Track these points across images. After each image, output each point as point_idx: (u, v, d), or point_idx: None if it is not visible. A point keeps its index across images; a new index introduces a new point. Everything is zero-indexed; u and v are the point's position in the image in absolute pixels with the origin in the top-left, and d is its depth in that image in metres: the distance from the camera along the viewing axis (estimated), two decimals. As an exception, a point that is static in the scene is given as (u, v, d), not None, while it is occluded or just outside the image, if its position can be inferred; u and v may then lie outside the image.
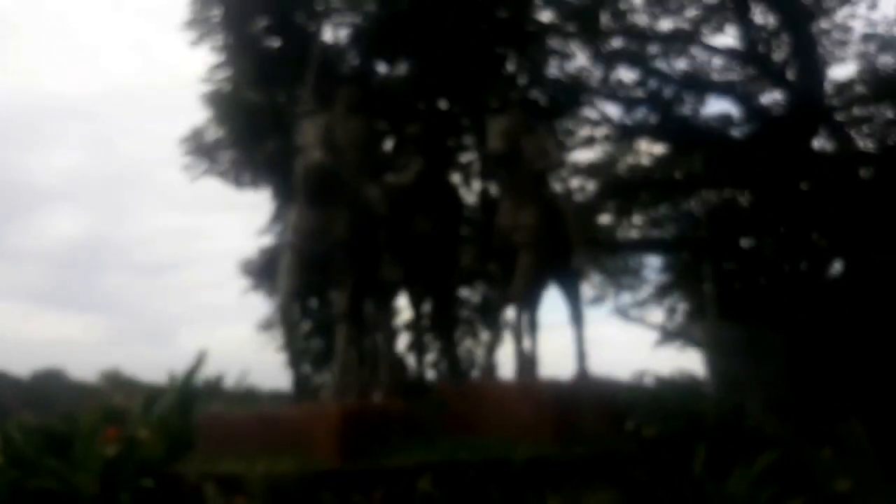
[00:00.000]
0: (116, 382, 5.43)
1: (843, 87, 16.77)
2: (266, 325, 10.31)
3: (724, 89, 16.61)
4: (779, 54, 15.55)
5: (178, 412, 4.75)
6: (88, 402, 4.89)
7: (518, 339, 5.85)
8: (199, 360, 5.25)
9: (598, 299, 27.86)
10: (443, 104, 9.96)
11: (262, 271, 5.79)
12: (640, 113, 17.17)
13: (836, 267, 22.07)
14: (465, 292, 9.88)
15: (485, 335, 8.97)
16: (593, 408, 5.75)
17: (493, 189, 6.72)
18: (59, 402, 5.40)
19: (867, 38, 16.42)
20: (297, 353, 5.39)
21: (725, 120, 17.60)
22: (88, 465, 4.16)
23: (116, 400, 4.87)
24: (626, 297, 30.04)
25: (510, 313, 7.43)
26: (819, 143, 17.54)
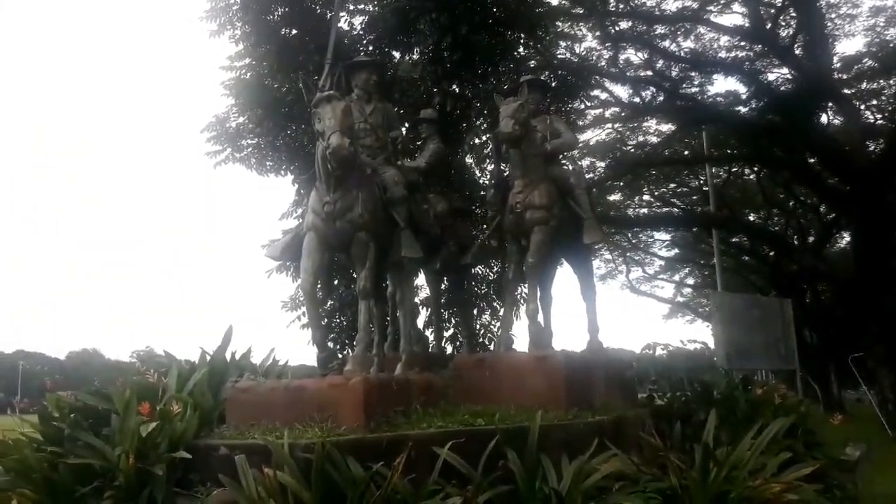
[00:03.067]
0: (150, 360, 5.61)
1: (851, 61, 16.76)
2: (291, 304, 10.60)
3: (731, 67, 16.65)
4: (786, 30, 15.57)
5: (209, 387, 4.94)
6: (123, 379, 5.07)
7: (532, 314, 6.03)
8: (227, 337, 5.44)
9: (609, 275, 28.05)
10: (455, 88, 10.11)
11: (286, 253, 5.94)
12: (648, 93, 17.28)
13: (843, 239, 22.03)
14: (481, 270, 10.10)
15: (501, 311, 9.15)
16: (605, 377, 5.95)
17: (506, 169, 6.87)
18: (93, 381, 5.60)
19: (876, 11, 16.38)
20: (321, 330, 5.57)
21: (733, 97, 17.63)
22: (124, 440, 4.34)
23: (149, 376, 5.07)
24: (637, 272, 30.23)
25: (524, 289, 7.63)
26: (827, 117, 17.59)
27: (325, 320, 9.41)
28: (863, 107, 17.83)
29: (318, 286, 5.52)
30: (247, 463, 3.99)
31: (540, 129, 6.80)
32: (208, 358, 5.44)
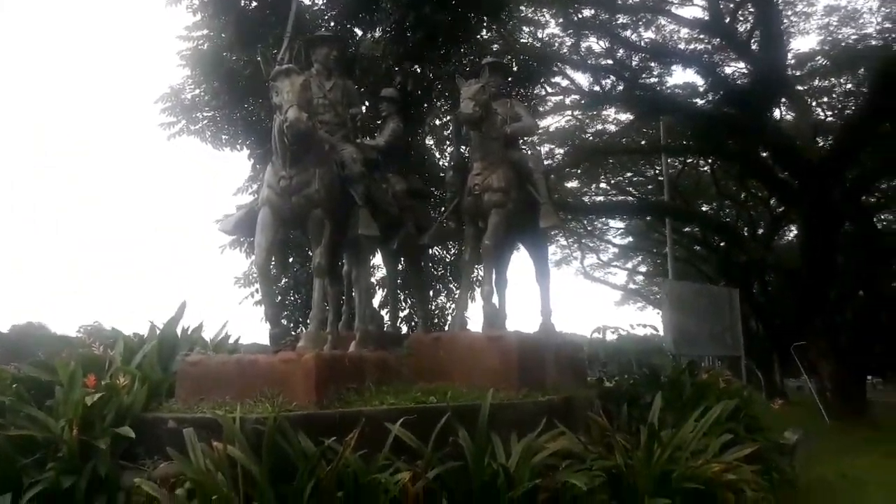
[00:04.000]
0: (98, 334, 5.49)
1: (805, 58, 17.19)
2: (244, 281, 10.48)
3: (690, 59, 16.89)
4: (744, 25, 15.86)
5: (159, 360, 4.86)
6: (68, 351, 4.95)
7: (487, 295, 6.08)
8: (180, 311, 5.36)
9: (564, 260, 28.39)
10: (417, 68, 10.05)
11: (240, 228, 5.85)
12: (608, 81, 17.43)
13: (792, 232, 22.66)
14: (438, 251, 10.14)
15: (457, 293, 9.19)
16: (557, 359, 6.05)
17: (466, 152, 6.88)
18: (38, 354, 5.45)
19: (830, 10, 16.80)
20: (274, 306, 5.52)
21: (690, 89, 17.91)
22: (67, 412, 4.25)
23: (95, 349, 4.96)
24: (591, 259, 30.69)
25: (480, 271, 7.67)
26: (780, 112, 18.02)
27: (279, 297, 9.34)
28: (814, 103, 18.33)
29: (272, 262, 5.46)
30: (195, 436, 3.96)
31: (500, 112, 6.82)
32: (158, 332, 5.34)
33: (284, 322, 8.18)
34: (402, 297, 9.43)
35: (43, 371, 4.66)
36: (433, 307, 10.00)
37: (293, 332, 7.53)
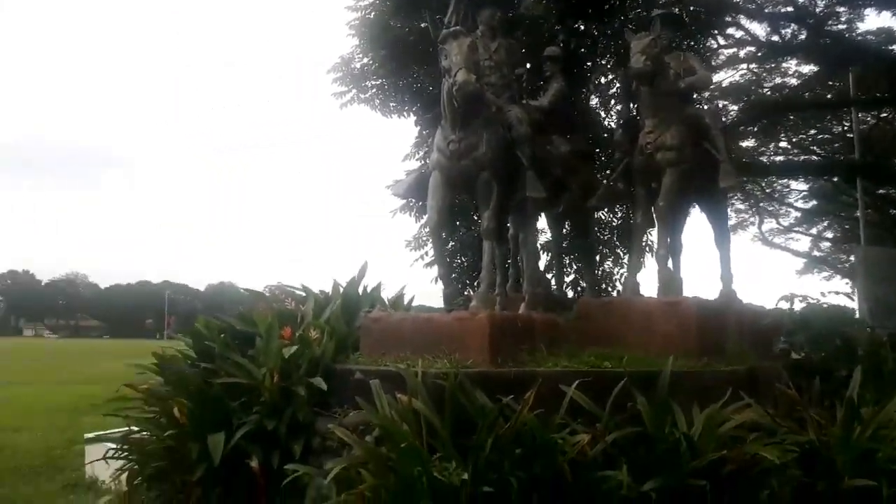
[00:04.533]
0: (282, 292, 5.95)
1: None
2: (415, 244, 10.88)
3: (885, 1, 15.01)
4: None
5: (343, 316, 5.17)
6: (264, 306, 5.39)
7: (662, 259, 5.86)
8: (362, 270, 5.66)
9: (740, 226, 26.66)
10: (581, 25, 9.78)
11: (411, 192, 6.04)
12: (788, 30, 15.94)
13: None
14: (604, 214, 9.91)
15: (625, 258, 8.94)
16: (739, 328, 5.72)
17: (635, 109, 6.61)
18: (229, 311, 5.97)
19: None
20: (446, 266, 5.67)
21: (885, 35, 15.98)
22: (268, 361, 4.65)
23: (288, 304, 5.37)
24: (770, 224, 28.54)
25: (652, 235, 7.41)
26: None
27: (447, 260, 9.59)
28: None
29: (443, 225, 5.58)
30: (381, 388, 4.18)
31: (673, 67, 6.47)
32: (341, 290, 5.67)
33: (456, 282, 8.37)
34: (566, 262, 9.33)
35: (244, 323, 5.11)
36: (599, 272, 9.80)
37: (463, 293, 7.70)
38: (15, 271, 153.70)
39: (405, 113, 10.89)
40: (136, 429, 4.90)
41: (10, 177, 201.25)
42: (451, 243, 10.07)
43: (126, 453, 4.83)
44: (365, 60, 10.76)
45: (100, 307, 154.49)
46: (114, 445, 4.95)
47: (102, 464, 5.21)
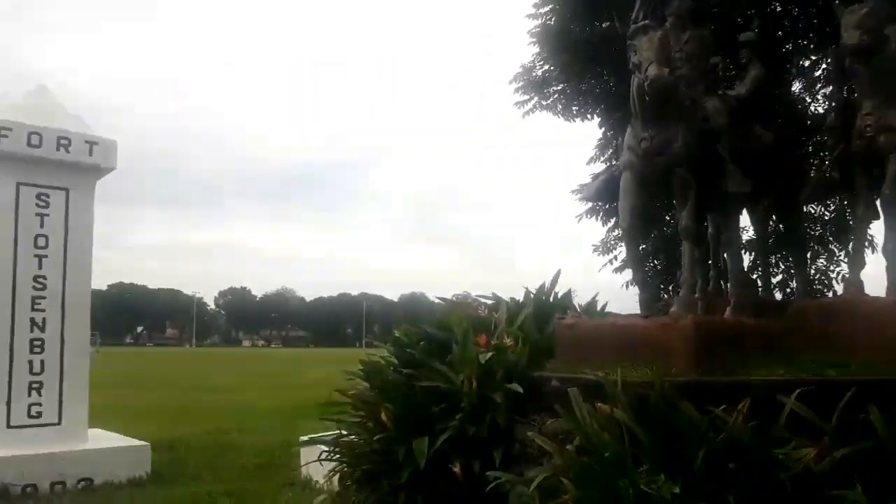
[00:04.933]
0: (474, 301, 6.08)
1: None
2: (602, 248, 10.68)
3: None
4: None
5: (536, 323, 5.15)
6: (457, 313, 5.51)
7: (891, 256, 5.21)
8: (555, 278, 5.61)
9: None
10: (777, 6, 9.07)
11: (601, 195, 5.89)
12: None
13: None
14: (813, 208, 9.08)
15: (840, 255, 8.11)
16: None
17: (846, 90, 5.97)
18: (423, 320, 6.16)
19: None
20: (642, 270, 5.46)
21: None
22: (465, 367, 4.73)
23: (481, 311, 5.46)
24: None
25: (875, 228, 6.64)
26: None
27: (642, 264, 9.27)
28: None
29: (637, 227, 5.38)
30: (580, 396, 4.08)
31: (894, 40, 5.76)
32: (532, 296, 5.65)
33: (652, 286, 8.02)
34: (773, 261, 8.62)
35: (440, 330, 5.25)
36: (812, 271, 8.96)
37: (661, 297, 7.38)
38: (234, 288, 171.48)
39: (588, 116, 10.73)
40: (345, 432, 5.20)
41: (237, 203, 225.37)
42: (642, 246, 9.72)
43: (337, 455, 5.14)
44: (546, 67, 10.74)
45: (306, 318, 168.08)
46: (326, 448, 5.28)
47: (317, 464, 5.59)
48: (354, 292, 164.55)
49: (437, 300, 6.44)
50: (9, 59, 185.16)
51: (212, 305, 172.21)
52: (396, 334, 5.45)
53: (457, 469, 4.37)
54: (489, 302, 5.96)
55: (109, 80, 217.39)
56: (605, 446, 3.63)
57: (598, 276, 10.68)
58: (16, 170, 7.58)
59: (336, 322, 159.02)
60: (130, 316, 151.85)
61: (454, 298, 6.92)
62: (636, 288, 5.48)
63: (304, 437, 7.10)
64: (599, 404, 4.00)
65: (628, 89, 5.34)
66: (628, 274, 9.59)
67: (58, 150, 7.70)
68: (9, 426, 7.17)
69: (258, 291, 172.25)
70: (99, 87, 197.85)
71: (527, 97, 10.89)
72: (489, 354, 4.65)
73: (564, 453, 3.83)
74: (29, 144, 7.53)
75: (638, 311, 5.26)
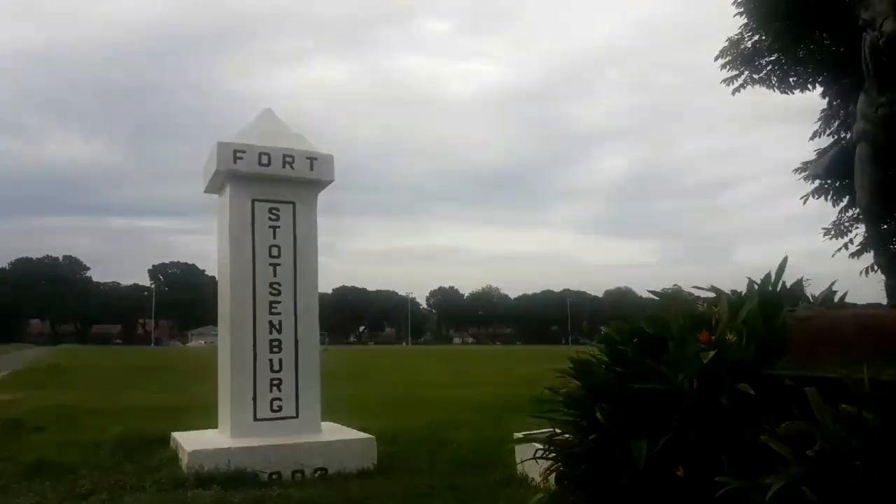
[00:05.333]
0: (679, 297, 5.71)
1: None
2: (835, 231, 9.62)
3: None
4: None
5: (762, 317, 4.73)
6: (672, 308, 5.23)
7: None
8: (781, 266, 5.13)
9: None
10: None
11: (831, 171, 5.29)
12: None
13: None
14: None
15: None
16: None
17: None
18: (631, 316, 5.90)
19: None
20: (887, 254, 4.81)
21: None
22: (684, 366, 4.46)
23: (700, 306, 5.13)
24: None
25: None
26: None
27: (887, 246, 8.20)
28: None
29: (879, 204, 4.76)
30: (818, 396, 3.68)
31: None
32: (756, 288, 5.20)
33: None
34: None
35: (654, 327, 5.00)
36: None
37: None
38: (443, 288, 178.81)
39: (809, 86, 9.72)
40: (559, 431, 5.14)
41: (443, 207, 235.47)
42: (885, 225, 8.59)
43: (552, 454, 5.10)
44: (756, 37, 9.91)
45: (511, 316, 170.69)
46: (540, 446, 5.26)
47: (532, 462, 5.59)
48: (557, 289, 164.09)
49: (647, 295, 6.16)
50: (235, 85, 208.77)
51: (424, 305, 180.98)
52: (606, 331, 5.28)
53: (679, 472, 4.14)
54: (707, 295, 5.58)
55: (324, 99, 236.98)
56: (856, 454, 3.22)
57: (831, 263, 9.60)
58: (251, 188, 8.47)
59: (541, 319, 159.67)
60: (353, 316, 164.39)
61: (664, 293, 6.56)
62: (879, 274, 4.87)
63: (519, 434, 7.15)
64: (843, 406, 3.58)
65: (857, 51, 4.75)
66: (868, 258, 8.55)
67: (284, 167, 8.47)
68: (255, 419, 8.03)
69: (465, 290, 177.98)
70: (316, 105, 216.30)
71: (736, 72, 10.11)
72: (711, 352, 4.34)
73: (803, 459, 3.47)
74: (260, 164, 8.37)
75: (883, 301, 4.68)
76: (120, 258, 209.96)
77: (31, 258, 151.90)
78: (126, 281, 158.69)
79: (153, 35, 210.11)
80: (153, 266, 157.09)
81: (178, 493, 6.45)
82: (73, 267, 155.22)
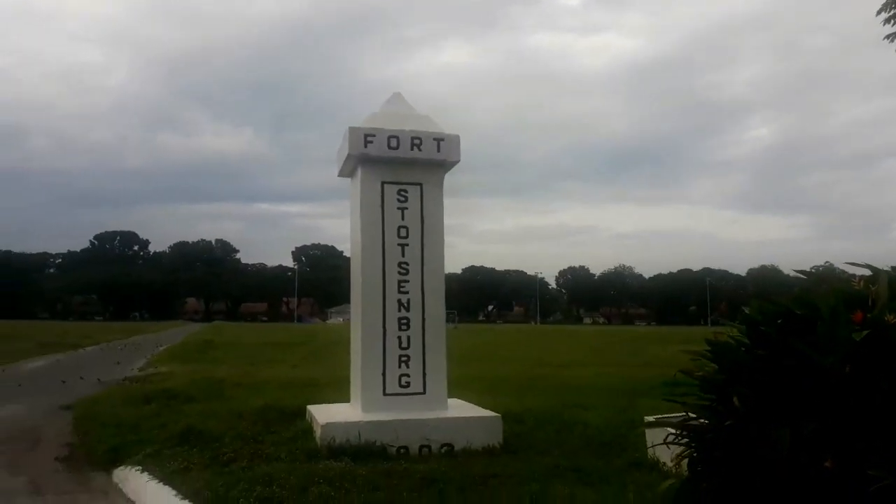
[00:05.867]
0: (830, 276, 5.19)
1: None
2: None
3: None
4: None
5: (929, 297, 4.22)
6: (823, 286, 4.78)
7: None
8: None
9: None
10: None
11: None
12: None
13: None
14: None
15: None
16: None
17: None
18: (776, 296, 5.45)
19: None
20: None
21: None
22: (835, 349, 4.06)
23: (854, 284, 4.65)
24: None
25: None
26: None
27: None
28: None
29: None
30: None
31: None
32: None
33: None
34: None
35: (802, 307, 4.59)
36: None
37: None
38: (573, 267, 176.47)
39: None
40: (693, 415, 4.86)
41: (571, 184, 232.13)
42: None
43: (685, 439, 4.83)
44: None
45: (645, 296, 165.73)
46: (673, 430, 5.01)
47: (663, 447, 5.34)
48: (696, 268, 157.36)
49: (794, 274, 5.69)
50: (371, 73, 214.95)
51: (553, 285, 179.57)
52: (747, 312, 4.91)
53: (828, 464, 3.78)
54: (862, 273, 5.06)
55: (450, 81, 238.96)
56: None
57: None
58: (380, 170, 8.65)
59: (677, 299, 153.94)
60: (482, 295, 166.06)
61: (814, 271, 6.04)
62: None
63: (650, 418, 6.88)
64: None
65: None
66: None
67: (411, 149, 8.58)
68: (384, 394, 8.24)
69: (596, 270, 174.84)
70: (441, 87, 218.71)
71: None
72: (864, 333, 3.92)
73: None
74: (389, 147, 8.52)
75: None
76: (266, 241, 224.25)
77: (188, 242, 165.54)
78: (271, 262, 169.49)
79: (293, 30, 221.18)
80: (296, 248, 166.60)
81: (311, 464, 6.73)
82: (224, 250, 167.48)
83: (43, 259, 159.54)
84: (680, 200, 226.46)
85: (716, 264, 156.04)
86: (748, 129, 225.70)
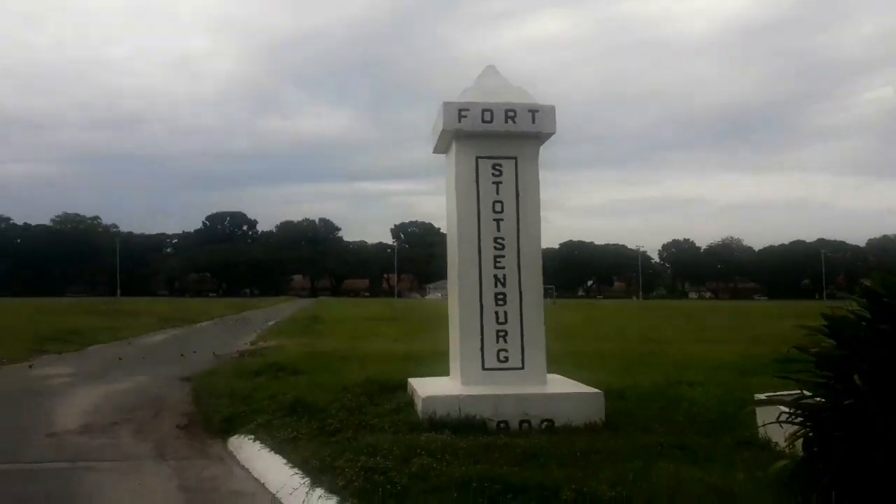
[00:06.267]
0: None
1: None
2: None
3: None
4: None
5: None
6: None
7: None
8: None
9: None
10: None
11: None
12: None
13: None
14: None
15: None
16: None
17: None
18: None
19: None
20: None
21: None
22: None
23: None
24: None
25: None
26: None
27: None
28: None
29: None
30: None
31: None
32: None
33: None
34: None
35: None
36: None
37: None
38: (678, 240, 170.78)
39: None
40: (808, 393, 4.61)
41: (674, 154, 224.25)
42: None
43: (800, 418, 4.60)
44: None
45: (755, 269, 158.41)
46: (786, 409, 4.77)
47: (775, 427, 5.11)
48: (810, 239, 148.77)
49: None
50: (465, 47, 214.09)
51: (655, 259, 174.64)
52: (869, 284, 4.59)
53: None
54: None
55: (543, 54, 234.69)
56: None
57: None
58: (474, 145, 8.60)
59: (790, 272, 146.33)
60: (581, 270, 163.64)
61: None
62: None
63: (760, 396, 6.57)
64: None
65: None
66: None
67: (506, 122, 8.47)
68: (483, 368, 8.27)
69: (702, 243, 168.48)
70: (535, 60, 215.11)
71: None
72: None
73: None
74: (483, 121, 8.45)
75: None
76: (366, 219, 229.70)
77: (293, 221, 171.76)
78: (372, 240, 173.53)
79: (385, 10, 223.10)
80: (395, 225, 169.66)
81: (413, 436, 6.86)
82: (327, 228, 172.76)
83: (160, 240, 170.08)
84: (793, 167, 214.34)
85: (832, 235, 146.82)
86: (869, 89, 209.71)
